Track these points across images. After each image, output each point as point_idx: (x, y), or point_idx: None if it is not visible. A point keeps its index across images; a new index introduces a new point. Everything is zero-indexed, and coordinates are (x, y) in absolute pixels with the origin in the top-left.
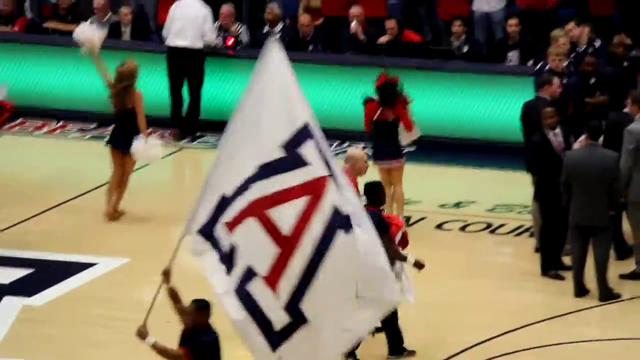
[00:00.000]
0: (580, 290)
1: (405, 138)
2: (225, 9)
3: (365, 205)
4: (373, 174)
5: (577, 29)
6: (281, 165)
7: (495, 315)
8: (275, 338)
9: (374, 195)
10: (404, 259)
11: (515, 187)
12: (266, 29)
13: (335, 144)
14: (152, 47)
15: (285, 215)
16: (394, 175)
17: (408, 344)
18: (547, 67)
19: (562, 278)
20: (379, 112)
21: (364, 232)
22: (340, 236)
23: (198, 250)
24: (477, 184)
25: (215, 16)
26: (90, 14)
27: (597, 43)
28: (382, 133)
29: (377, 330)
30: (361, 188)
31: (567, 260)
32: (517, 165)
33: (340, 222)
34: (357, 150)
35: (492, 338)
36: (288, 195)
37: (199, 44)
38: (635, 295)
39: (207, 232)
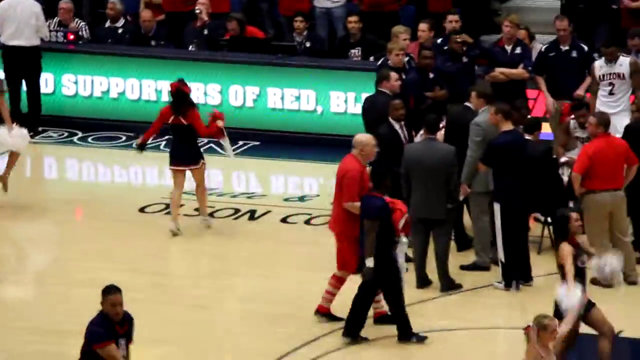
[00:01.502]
0: (423, 282)
1: (226, 149)
2: (64, 4)
3: (370, 190)
4: None
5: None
6: None
7: (337, 308)
8: None
9: (380, 181)
10: (369, 254)
11: None
12: (107, 24)
13: None
14: None
15: None
16: (196, 177)
17: (256, 338)
18: (388, 62)
19: (405, 270)
20: (172, 117)
21: None
22: None
23: None
24: (321, 177)
25: (55, 12)
26: None
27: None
28: (178, 137)
29: (385, 320)
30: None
31: (409, 252)
32: None
33: None
34: (364, 135)
35: (334, 330)
36: None
37: (35, 41)
38: (475, 286)
39: None
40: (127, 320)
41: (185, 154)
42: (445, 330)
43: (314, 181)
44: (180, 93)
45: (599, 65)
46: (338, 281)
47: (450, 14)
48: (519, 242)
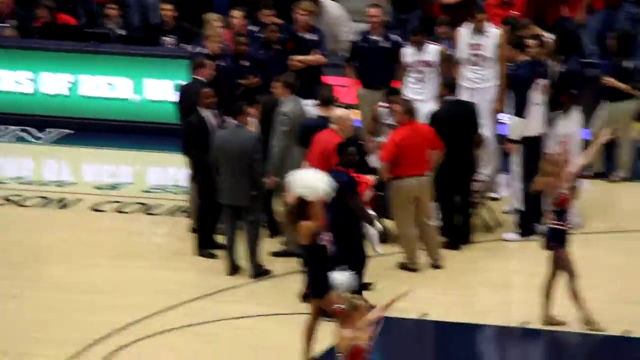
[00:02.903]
0: (233, 268)
1: None
2: None
3: (336, 165)
4: None
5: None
6: None
7: (149, 295)
8: None
9: (343, 154)
10: (370, 222)
11: (171, 168)
12: None
13: None
14: None
15: None
16: None
17: (66, 327)
18: (203, 50)
19: (215, 257)
20: None
21: None
22: None
23: None
24: (133, 165)
25: None
26: None
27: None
28: None
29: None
30: None
31: (222, 239)
32: (173, 147)
33: None
34: (342, 110)
35: (145, 318)
36: None
37: None
38: (286, 272)
39: None
40: None
41: None
42: (255, 317)
43: (129, 169)
44: None
45: (408, 52)
46: None
47: (266, 8)
48: None
